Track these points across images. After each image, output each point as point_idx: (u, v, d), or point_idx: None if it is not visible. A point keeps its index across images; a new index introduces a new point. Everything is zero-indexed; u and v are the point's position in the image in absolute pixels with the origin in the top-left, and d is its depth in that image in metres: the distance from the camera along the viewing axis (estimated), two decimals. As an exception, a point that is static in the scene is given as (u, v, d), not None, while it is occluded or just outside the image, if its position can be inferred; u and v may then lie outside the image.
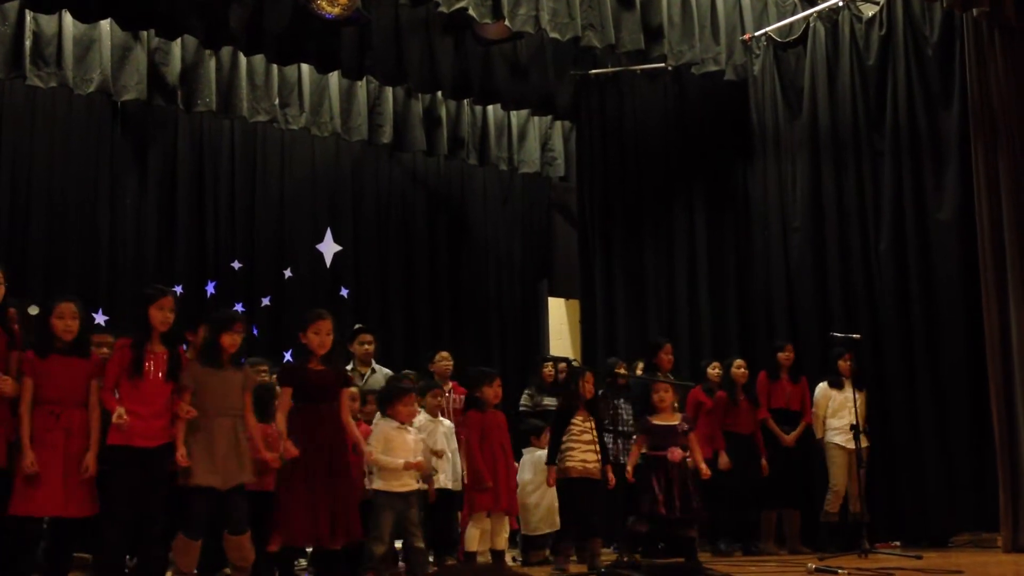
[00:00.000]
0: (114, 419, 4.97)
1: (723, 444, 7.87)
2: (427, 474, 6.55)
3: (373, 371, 7.47)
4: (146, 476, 5.02)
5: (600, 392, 7.67)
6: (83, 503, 5.04)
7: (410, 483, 5.91)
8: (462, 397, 7.28)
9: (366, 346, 7.58)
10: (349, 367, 7.63)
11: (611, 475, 6.82)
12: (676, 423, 6.78)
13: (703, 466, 6.94)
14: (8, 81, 8.25)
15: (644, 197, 10.00)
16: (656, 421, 6.74)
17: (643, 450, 6.84)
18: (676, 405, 7.04)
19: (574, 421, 6.69)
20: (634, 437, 7.13)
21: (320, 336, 5.49)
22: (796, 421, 8.13)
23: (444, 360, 7.78)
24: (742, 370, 8.12)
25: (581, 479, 6.61)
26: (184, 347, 5.43)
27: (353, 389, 6.47)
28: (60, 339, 5.09)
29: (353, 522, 5.43)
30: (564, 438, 6.66)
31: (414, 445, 6.03)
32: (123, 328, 6.09)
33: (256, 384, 5.54)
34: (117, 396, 5.03)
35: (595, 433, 6.71)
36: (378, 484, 5.84)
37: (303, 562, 6.32)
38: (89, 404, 5.12)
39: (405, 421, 6.00)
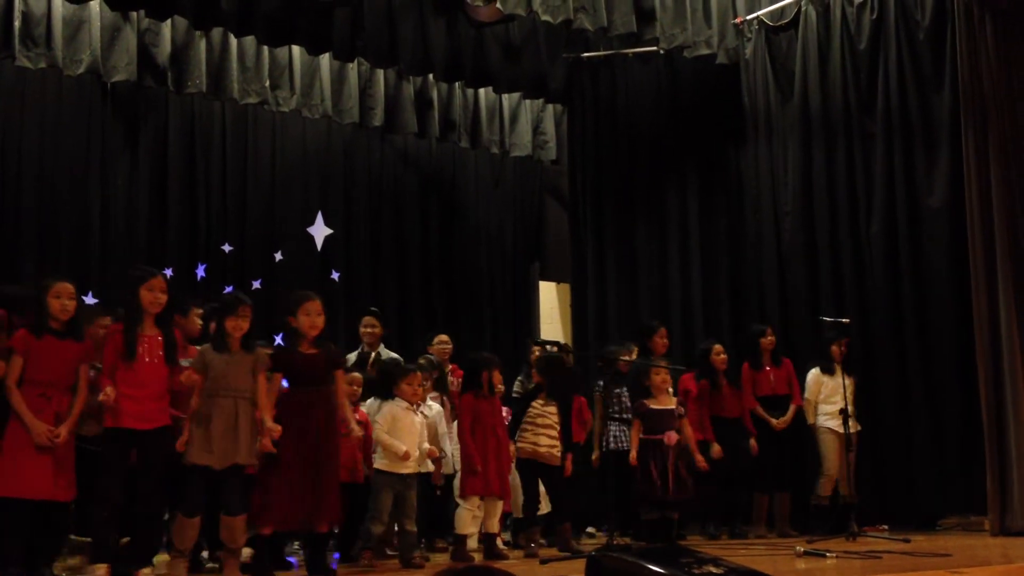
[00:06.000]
0: (100, 397, 4.99)
1: (712, 432, 7.87)
2: (436, 456, 6.58)
3: (379, 355, 7.47)
4: (141, 458, 5.04)
5: (602, 381, 7.68)
6: (68, 487, 5.05)
7: (412, 465, 5.91)
8: (459, 380, 7.29)
9: (368, 329, 7.59)
10: (357, 352, 7.65)
11: (568, 463, 6.82)
12: (672, 407, 6.81)
13: (699, 456, 6.98)
14: (-3, 62, 8.20)
15: (636, 180, 9.99)
16: (653, 405, 6.76)
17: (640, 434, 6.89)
18: (671, 389, 7.08)
19: (534, 404, 6.74)
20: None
21: (311, 317, 5.36)
22: (785, 405, 8.14)
23: (442, 343, 7.75)
24: (721, 356, 8.13)
25: (528, 460, 6.64)
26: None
27: (356, 375, 6.46)
28: (56, 318, 5.08)
29: (333, 506, 5.28)
30: (523, 420, 6.73)
31: (421, 428, 6.03)
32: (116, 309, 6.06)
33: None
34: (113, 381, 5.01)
35: (556, 418, 6.72)
36: (381, 463, 5.84)
37: (295, 544, 6.32)
38: (78, 388, 5.12)
39: (411, 400, 5.98)
